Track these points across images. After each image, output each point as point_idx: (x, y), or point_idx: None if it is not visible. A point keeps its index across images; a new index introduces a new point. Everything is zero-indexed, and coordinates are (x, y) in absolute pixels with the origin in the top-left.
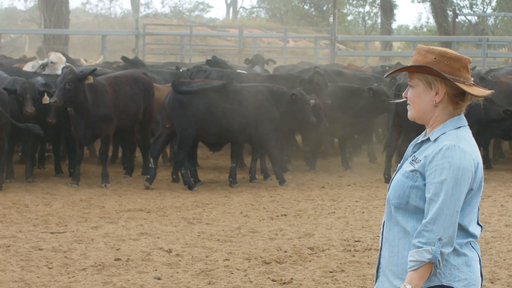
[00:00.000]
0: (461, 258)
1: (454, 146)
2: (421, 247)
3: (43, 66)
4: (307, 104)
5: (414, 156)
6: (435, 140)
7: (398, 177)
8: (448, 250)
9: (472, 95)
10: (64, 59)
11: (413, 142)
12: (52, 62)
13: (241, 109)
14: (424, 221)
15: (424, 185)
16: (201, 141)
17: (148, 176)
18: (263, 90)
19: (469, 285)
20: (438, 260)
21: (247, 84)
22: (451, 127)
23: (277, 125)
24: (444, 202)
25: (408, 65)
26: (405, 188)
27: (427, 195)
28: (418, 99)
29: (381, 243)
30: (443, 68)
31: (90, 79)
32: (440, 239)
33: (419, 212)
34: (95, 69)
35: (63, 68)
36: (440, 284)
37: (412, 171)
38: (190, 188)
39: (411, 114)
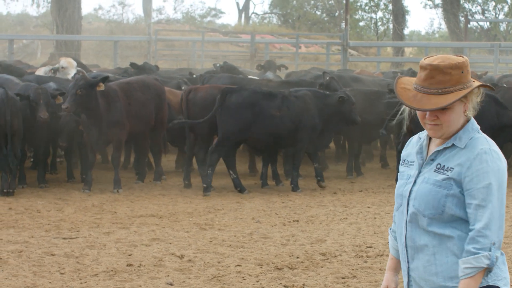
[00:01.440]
0: (500, 257)
1: (489, 149)
2: (478, 253)
3: (54, 71)
4: (354, 105)
5: (439, 164)
6: (465, 146)
7: (427, 187)
8: (499, 253)
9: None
10: (75, 63)
11: (416, 149)
12: (63, 67)
13: (290, 114)
14: (476, 226)
15: (460, 192)
16: (249, 145)
17: (205, 185)
18: (309, 95)
19: (507, 283)
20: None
21: (294, 89)
22: (473, 131)
23: (323, 129)
24: (493, 207)
25: (453, 96)
26: (440, 198)
27: (473, 201)
28: (456, 117)
29: (407, 256)
30: (468, 77)
31: (102, 87)
32: (494, 244)
33: (454, 220)
34: (107, 77)
35: (75, 74)
36: (486, 284)
37: (445, 179)
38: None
39: (441, 133)
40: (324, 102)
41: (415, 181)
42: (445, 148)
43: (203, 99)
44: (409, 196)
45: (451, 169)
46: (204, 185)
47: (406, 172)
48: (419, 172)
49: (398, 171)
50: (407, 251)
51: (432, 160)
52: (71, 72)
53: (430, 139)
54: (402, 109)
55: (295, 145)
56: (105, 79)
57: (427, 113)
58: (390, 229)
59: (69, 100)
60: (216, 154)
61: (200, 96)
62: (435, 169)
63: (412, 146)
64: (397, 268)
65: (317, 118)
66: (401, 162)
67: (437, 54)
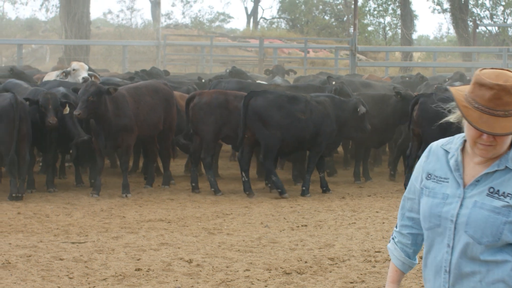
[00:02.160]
0: None
1: None
2: None
3: (66, 74)
4: (366, 112)
5: (492, 188)
6: None
7: (483, 214)
8: None
9: None
10: (86, 67)
11: (450, 165)
12: (74, 69)
13: (312, 118)
14: None
15: None
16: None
17: (247, 192)
18: (328, 100)
19: None
20: None
21: (314, 94)
22: None
23: (337, 134)
24: None
25: None
26: (498, 225)
27: None
28: (509, 139)
29: (448, 282)
30: None
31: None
32: None
33: (506, 246)
34: (117, 87)
35: (85, 77)
36: None
37: (504, 206)
38: (282, 193)
39: (492, 153)
40: (340, 108)
41: (461, 204)
42: (496, 171)
43: (208, 104)
44: (456, 220)
45: (509, 195)
46: (246, 193)
47: (439, 189)
48: (464, 194)
49: (406, 175)
50: (449, 276)
51: (478, 181)
52: (82, 74)
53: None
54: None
55: (313, 149)
56: (115, 88)
57: (484, 134)
58: (394, 238)
59: (81, 106)
60: (270, 161)
61: (204, 101)
62: (487, 193)
63: (438, 159)
64: (400, 281)
65: (334, 123)
66: (425, 175)
67: (446, 59)
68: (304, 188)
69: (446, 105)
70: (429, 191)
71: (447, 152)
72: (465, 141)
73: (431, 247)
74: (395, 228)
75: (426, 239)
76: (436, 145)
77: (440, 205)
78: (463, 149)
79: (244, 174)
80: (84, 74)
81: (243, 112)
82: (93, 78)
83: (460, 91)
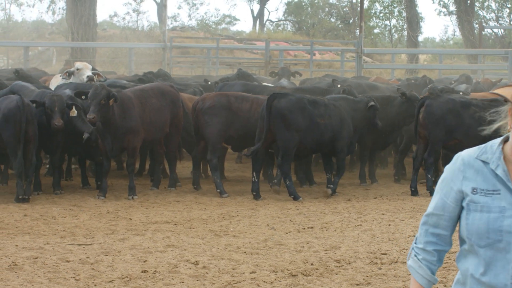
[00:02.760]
0: None
1: None
2: None
3: (69, 74)
4: (378, 110)
5: None
6: None
7: None
8: None
9: None
10: (90, 66)
11: (501, 177)
12: (78, 69)
13: (331, 121)
14: None
15: None
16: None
17: (254, 193)
18: (342, 102)
19: None
20: None
21: (330, 96)
22: None
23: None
24: None
25: None
26: None
27: None
28: None
29: None
30: None
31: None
32: None
33: None
34: (123, 89)
35: (89, 76)
36: None
37: None
38: (296, 198)
39: None
40: (354, 108)
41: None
42: None
43: (210, 107)
44: None
45: None
46: (254, 193)
47: (492, 203)
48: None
49: (412, 177)
50: None
51: None
52: (86, 73)
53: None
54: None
55: (337, 155)
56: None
57: None
58: (417, 255)
59: (94, 110)
60: (287, 164)
61: (207, 105)
62: None
63: (478, 172)
64: None
65: (351, 125)
66: (469, 190)
67: (451, 61)
68: (334, 188)
69: (488, 111)
70: (481, 206)
71: (485, 163)
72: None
73: (489, 265)
74: (414, 244)
75: (479, 257)
76: (468, 157)
77: (499, 219)
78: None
79: (255, 175)
80: (88, 73)
81: (266, 114)
82: (96, 76)
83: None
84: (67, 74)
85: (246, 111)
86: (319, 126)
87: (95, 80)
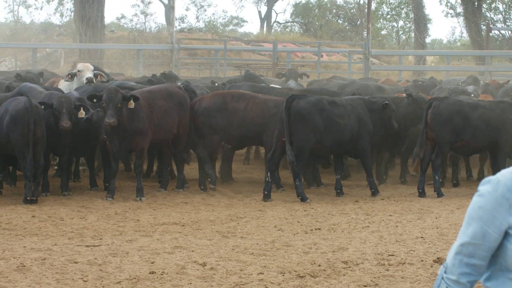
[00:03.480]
0: None
1: None
2: None
3: (71, 76)
4: (394, 111)
5: None
6: None
7: None
8: None
9: None
10: (91, 67)
11: None
12: (79, 70)
13: (349, 122)
14: None
15: None
16: (315, 153)
17: (266, 192)
18: (361, 102)
19: None
20: None
21: (347, 97)
22: None
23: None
24: None
25: None
26: None
27: None
28: None
29: None
30: None
31: (132, 104)
32: None
33: None
34: (138, 98)
35: (88, 78)
36: None
37: None
38: (304, 199)
39: None
40: (370, 108)
41: None
42: None
43: (207, 108)
44: None
45: None
46: (265, 192)
47: None
48: None
49: (420, 178)
50: None
51: None
52: (87, 75)
53: None
54: None
55: (359, 154)
56: (136, 98)
57: None
58: (450, 281)
59: (112, 114)
60: (299, 164)
61: (204, 105)
62: None
63: None
64: None
65: (370, 123)
66: None
67: (459, 62)
68: (373, 190)
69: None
70: None
71: None
72: None
73: None
74: (445, 275)
75: None
76: (511, 181)
77: None
78: None
79: (269, 175)
80: (88, 74)
81: (285, 115)
82: (99, 77)
83: None
84: (70, 76)
85: (242, 110)
86: (339, 126)
87: (94, 81)
